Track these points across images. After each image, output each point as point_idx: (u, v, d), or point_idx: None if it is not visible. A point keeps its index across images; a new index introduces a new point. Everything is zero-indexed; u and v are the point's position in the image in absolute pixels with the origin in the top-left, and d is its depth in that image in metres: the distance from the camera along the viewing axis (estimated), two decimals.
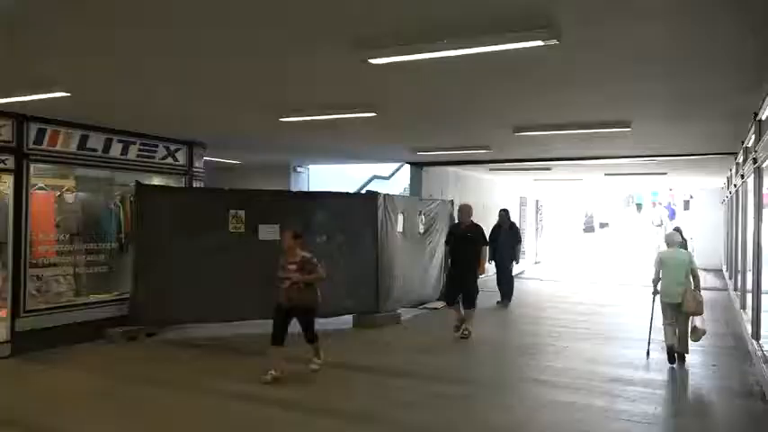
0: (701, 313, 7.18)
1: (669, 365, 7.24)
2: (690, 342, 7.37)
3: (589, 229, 30.48)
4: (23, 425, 5.23)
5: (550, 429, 5.30)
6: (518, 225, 13.99)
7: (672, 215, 27.58)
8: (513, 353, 8.04)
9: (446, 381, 6.66)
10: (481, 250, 8.93)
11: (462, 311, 8.88)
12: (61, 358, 7.39)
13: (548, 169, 13.54)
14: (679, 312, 7.22)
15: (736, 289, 11.82)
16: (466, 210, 9.04)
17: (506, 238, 11.99)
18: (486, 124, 7.99)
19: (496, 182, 17.17)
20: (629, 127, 7.42)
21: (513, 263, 12.37)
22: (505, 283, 12.23)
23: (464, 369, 7.26)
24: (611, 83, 5.45)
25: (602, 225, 33.36)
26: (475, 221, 9.13)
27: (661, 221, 27.15)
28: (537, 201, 21.53)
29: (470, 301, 8.83)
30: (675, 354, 7.29)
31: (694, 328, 7.27)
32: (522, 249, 12.99)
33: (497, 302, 12.08)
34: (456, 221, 10.20)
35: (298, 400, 5.93)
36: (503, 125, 7.85)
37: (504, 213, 12.37)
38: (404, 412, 5.63)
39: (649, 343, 7.88)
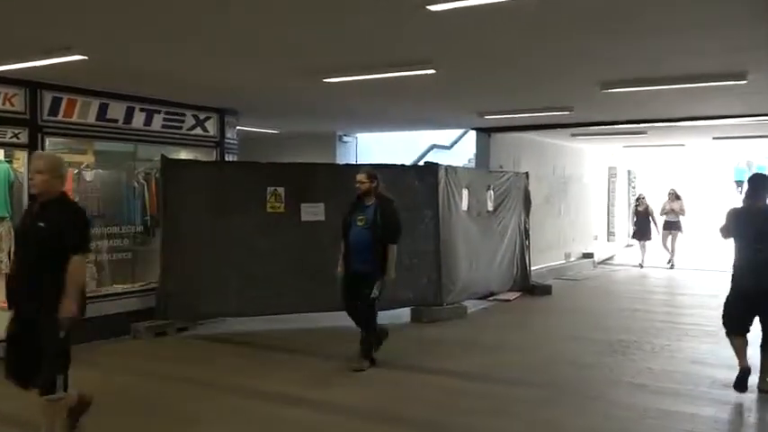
0: None
1: None
2: None
3: (642, 231, 16.97)
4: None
5: None
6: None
7: None
8: (602, 352, 7.95)
9: (524, 384, 6.66)
10: None
11: None
12: (84, 355, 7.58)
13: (642, 133, 13.21)
14: None
15: None
16: None
17: (369, 227, 7.14)
18: (567, 80, 7.84)
19: (580, 150, 16.88)
20: (744, 79, 7.17)
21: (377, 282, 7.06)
22: (359, 307, 7.21)
23: (545, 370, 7.23)
24: (723, 27, 5.26)
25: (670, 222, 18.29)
26: None
27: None
28: (629, 171, 21.05)
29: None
30: None
31: None
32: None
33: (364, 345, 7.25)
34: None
35: (348, 405, 6.03)
36: (588, 81, 7.69)
37: (369, 176, 7.28)
38: (475, 420, 5.66)
39: None
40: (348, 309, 7.30)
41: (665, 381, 6.74)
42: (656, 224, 16.65)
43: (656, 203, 16.96)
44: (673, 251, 16.43)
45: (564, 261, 15.79)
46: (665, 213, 16.50)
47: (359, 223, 7.20)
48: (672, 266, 16.25)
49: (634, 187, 21.25)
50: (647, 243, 16.81)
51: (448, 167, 10.34)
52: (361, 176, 7.25)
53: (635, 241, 17.45)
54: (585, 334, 9.05)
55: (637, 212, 17.23)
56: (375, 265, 7.03)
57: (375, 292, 7.05)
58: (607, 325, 9.62)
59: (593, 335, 8.90)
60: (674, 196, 16.57)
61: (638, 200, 17.62)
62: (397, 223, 7.33)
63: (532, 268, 12.63)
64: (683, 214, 16.44)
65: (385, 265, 7.07)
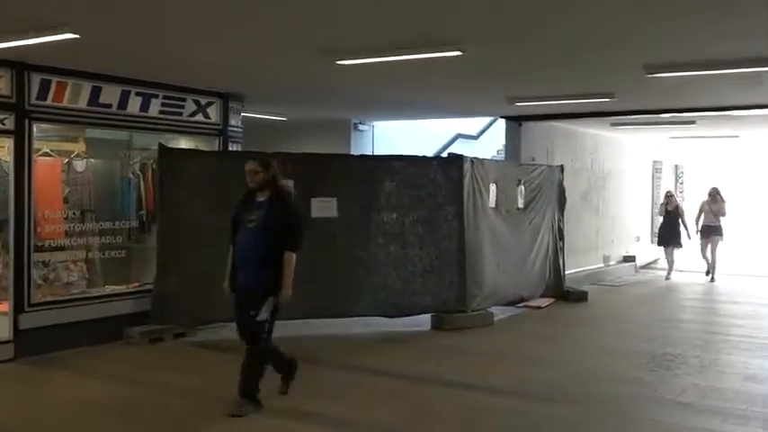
0: None
1: None
2: None
3: (670, 235, 15.92)
4: None
5: None
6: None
7: None
8: (643, 366, 7.90)
9: (558, 401, 6.62)
10: None
11: None
12: (73, 362, 7.74)
13: (691, 123, 13.10)
14: None
15: None
16: None
17: (260, 229, 6.11)
18: (608, 63, 7.81)
19: (621, 141, 16.77)
20: None
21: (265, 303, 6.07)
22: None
23: (581, 385, 7.20)
24: None
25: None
26: None
27: None
28: (676, 166, 20.91)
29: None
30: None
31: None
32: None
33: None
34: None
35: (360, 421, 6.02)
36: (631, 64, 7.63)
37: (263, 164, 6.26)
38: None
39: None
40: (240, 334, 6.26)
41: (713, 399, 6.69)
42: (686, 227, 15.43)
43: (697, 204, 16.11)
44: (714, 261, 15.20)
45: (602, 265, 15.70)
46: (704, 215, 15.41)
47: (248, 224, 6.14)
48: (712, 280, 14.98)
49: (682, 183, 21.09)
50: (676, 251, 15.63)
51: (474, 159, 10.30)
52: (252, 165, 6.18)
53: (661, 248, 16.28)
54: (625, 346, 9.00)
55: (666, 212, 15.84)
56: (267, 277, 6.02)
57: (263, 314, 6.00)
58: (649, 336, 9.55)
59: (634, 347, 8.84)
60: (717, 196, 15.49)
61: (666, 197, 16.29)
62: (296, 223, 6.24)
63: (567, 272, 12.59)
64: (722, 215, 15.36)
65: (281, 277, 6.06)
